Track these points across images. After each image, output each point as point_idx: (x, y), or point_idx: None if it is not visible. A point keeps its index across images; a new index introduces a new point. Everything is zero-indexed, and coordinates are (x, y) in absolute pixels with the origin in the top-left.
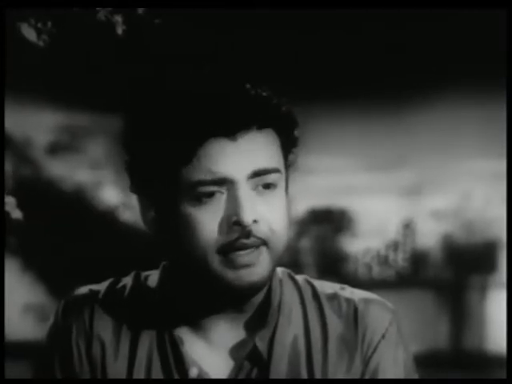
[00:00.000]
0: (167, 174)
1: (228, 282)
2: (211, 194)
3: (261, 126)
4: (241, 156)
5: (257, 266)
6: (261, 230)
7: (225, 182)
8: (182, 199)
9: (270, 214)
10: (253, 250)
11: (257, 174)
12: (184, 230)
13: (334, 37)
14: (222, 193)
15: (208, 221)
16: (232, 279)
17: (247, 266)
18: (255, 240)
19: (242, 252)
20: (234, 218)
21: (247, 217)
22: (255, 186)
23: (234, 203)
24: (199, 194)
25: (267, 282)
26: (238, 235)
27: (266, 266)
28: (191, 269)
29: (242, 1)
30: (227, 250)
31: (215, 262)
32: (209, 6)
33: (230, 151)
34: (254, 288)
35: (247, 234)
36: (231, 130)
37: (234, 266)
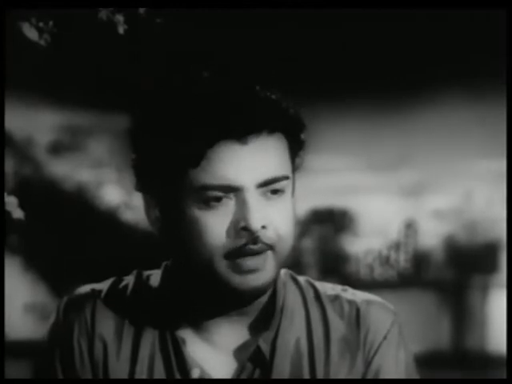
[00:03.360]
0: (175, 175)
1: (233, 286)
2: (219, 199)
3: (271, 130)
4: (251, 163)
5: (263, 271)
6: (268, 235)
7: (234, 190)
8: (190, 201)
9: (277, 219)
10: (259, 255)
11: (266, 183)
12: (190, 233)
13: (335, 37)
14: (230, 198)
15: (215, 225)
16: (237, 284)
17: (253, 271)
18: (262, 246)
19: (248, 257)
20: (242, 224)
21: (256, 223)
22: (264, 192)
23: (242, 208)
24: (207, 198)
25: (271, 286)
26: (245, 241)
27: (272, 271)
28: (195, 271)
29: (243, 1)
30: (234, 255)
31: (221, 266)
32: (210, 5)
33: (240, 156)
34: (258, 292)
35: (255, 240)
36: (243, 133)
37: (240, 270)
